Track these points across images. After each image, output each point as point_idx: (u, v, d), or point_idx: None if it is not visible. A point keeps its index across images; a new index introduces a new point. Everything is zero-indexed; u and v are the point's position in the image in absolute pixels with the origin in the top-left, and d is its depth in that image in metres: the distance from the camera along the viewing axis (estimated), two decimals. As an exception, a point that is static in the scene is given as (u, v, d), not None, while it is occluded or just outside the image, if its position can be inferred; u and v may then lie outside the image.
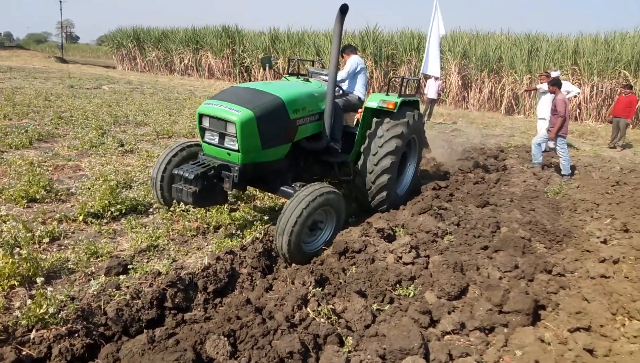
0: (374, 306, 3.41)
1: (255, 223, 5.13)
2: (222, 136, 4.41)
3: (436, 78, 16.20)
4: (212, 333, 2.79)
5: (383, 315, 3.32)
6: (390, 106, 5.35)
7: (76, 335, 2.91)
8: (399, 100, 5.46)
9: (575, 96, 15.53)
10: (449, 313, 3.37)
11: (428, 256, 4.28)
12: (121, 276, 3.72)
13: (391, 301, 3.53)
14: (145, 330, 3.01)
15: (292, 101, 4.71)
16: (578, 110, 19.82)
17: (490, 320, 3.30)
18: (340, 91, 5.90)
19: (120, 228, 4.85)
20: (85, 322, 3.02)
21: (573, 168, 8.95)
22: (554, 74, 10.65)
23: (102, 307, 3.17)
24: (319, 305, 3.22)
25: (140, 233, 4.63)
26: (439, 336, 3.15)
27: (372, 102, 5.52)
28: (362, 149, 5.40)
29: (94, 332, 2.97)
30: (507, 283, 3.85)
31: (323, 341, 2.90)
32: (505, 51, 21.73)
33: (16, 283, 3.51)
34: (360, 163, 5.39)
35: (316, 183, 4.45)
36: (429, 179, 7.25)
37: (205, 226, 4.99)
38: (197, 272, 3.77)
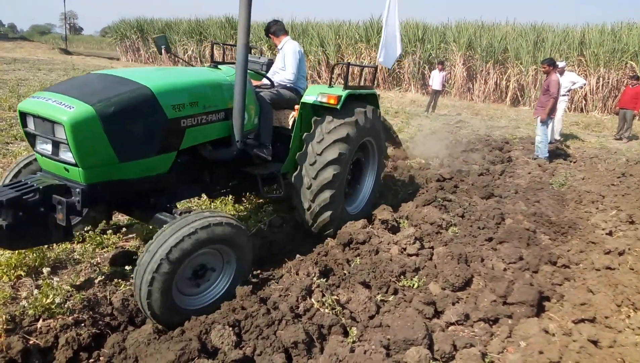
0: (378, 297, 3.42)
1: (260, 213, 5.13)
2: (55, 144, 3.06)
3: (440, 69, 16.12)
4: (217, 323, 2.81)
5: (387, 305, 3.33)
6: (332, 101, 4.17)
7: (82, 324, 2.93)
8: (343, 93, 4.26)
9: (581, 88, 15.42)
10: (454, 304, 3.37)
11: (432, 248, 4.28)
12: (127, 267, 3.73)
13: (395, 292, 3.53)
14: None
15: (170, 92, 3.32)
16: (584, 101, 19.71)
17: (495, 311, 3.30)
18: (270, 83, 4.72)
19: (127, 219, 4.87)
20: (91, 312, 3.05)
21: (560, 155, 8.92)
22: (560, 65, 10.57)
23: (108, 297, 3.19)
24: (323, 295, 3.23)
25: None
26: (443, 327, 3.16)
27: (310, 96, 4.32)
28: (297, 157, 4.22)
29: (100, 322, 2.99)
30: (511, 274, 3.85)
31: (327, 331, 2.91)
32: (511, 42, 21.57)
33: (23, 273, 3.53)
34: (295, 175, 4.21)
35: (206, 210, 3.30)
36: (434, 170, 7.23)
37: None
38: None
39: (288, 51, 4.87)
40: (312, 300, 3.18)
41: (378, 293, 3.48)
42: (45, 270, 3.26)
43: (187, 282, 3.08)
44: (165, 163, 3.47)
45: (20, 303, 3.06)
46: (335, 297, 3.26)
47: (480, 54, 22.16)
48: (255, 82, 4.55)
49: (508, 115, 17.26)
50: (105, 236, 4.12)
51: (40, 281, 3.41)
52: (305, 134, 4.21)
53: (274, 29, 5.11)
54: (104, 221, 4.14)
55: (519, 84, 21.48)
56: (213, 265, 3.19)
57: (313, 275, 3.53)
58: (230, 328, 2.74)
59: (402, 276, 3.72)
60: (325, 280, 3.52)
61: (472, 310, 3.32)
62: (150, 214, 3.42)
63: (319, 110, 4.37)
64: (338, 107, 4.19)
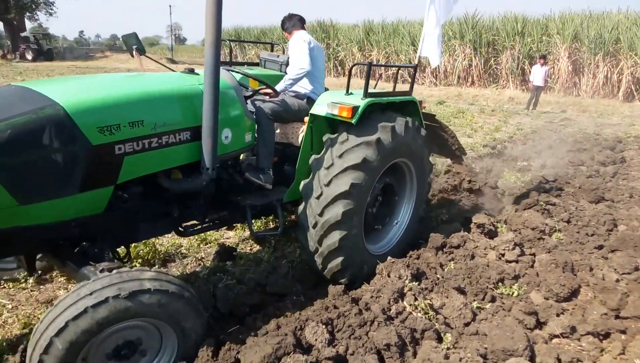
0: (474, 304, 3.30)
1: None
2: None
3: (542, 63, 15.12)
4: (310, 320, 2.88)
5: (484, 313, 3.20)
6: (344, 114, 3.29)
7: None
8: (362, 102, 3.36)
9: None
10: (558, 315, 3.16)
11: (534, 255, 4.04)
12: (228, 262, 3.97)
13: (493, 299, 3.39)
14: (249, 314, 3.20)
15: (93, 111, 2.50)
16: None
17: (605, 325, 3.04)
18: (273, 90, 3.80)
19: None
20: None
21: None
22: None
23: (212, 290, 3.41)
24: (415, 299, 3.18)
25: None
26: (546, 339, 2.97)
27: (321, 106, 3.46)
28: (301, 188, 3.47)
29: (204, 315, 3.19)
30: (625, 286, 3.51)
31: (420, 336, 2.87)
32: (624, 32, 19.59)
33: (137, 265, 3.89)
34: (300, 210, 3.49)
35: (136, 268, 2.38)
36: (535, 171, 6.81)
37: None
38: (295, 261, 3.92)
39: (293, 43, 4.01)
40: (405, 303, 3.15)
41: (474, 300, 3.36)
42: (157, 263, 3.57)
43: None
44: (97, 201, 2.66)
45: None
46: (429, 302, 3.19)
47: (588, 46, 20.40)
48: (265, 90, 3.83)
49: (621, 111, 15.74)
50: (208, 233, 4.40)
51: (152, 273, 3.74)
52: (312, 157, 3.46)
53: (288, 25, 4.24)
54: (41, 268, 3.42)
55: (634, 77, 19.44)
56: (145, 342, 2.42)
57: (405, 277, 3.49)
58: (324, 326, 2.80)
59: (500, 284, 3.55)
60: (417, 283, 3.47)
61: (579, 323, 3.09)
62: (80, 264, 2.59)
63: (335, 124, 3.51)
64: (353, 121, 3.30)
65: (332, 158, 3.33)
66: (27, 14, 39.90)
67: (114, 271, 2.29)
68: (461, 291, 3.43)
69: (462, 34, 23.71)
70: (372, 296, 3.23)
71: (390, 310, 3.05)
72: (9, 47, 36.97)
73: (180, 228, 3.34)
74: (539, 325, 3.14)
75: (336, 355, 2.61)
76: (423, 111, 4.67)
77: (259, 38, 37.01)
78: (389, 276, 3.62)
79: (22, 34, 36.49)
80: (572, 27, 20.97)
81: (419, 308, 3.09)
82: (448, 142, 5.11)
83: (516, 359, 2.61)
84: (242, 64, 4.76)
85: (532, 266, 3.84)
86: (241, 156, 3.71)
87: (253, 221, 3.94)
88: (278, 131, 4.03)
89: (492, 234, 4.42)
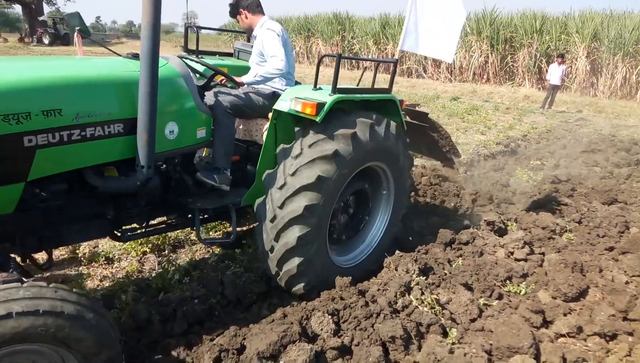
0: (481, 301, 3.30)
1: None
2: None
3: (560, 62, 14.92)
4: (317, 310, 2.91)
5: (490, 310, 3.20)
6: (308, 111, 2.96)
7: (196, 300, 3.20)
8: (330, 99, 3.03)
9: None
10: (565, 315, 3.15)
11: (543, 254, 4.02)
12: (237, 250, 4.00)
13: (500, 297, 3.38)
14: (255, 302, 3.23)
15: None
16: None
17: (613, 327, 3.02)
18: (233, 82, 3.49)
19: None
20: (204, 289, 3.31)
21: None
22: None
23: (219, 277, 3.44)
24: (422, 293, 3.19)
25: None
26: (552, 338, 2.96)
27: (285, 101, 3.14)
28: (264, 178, 3.15)
29: (212, 299, 3.23)
30: (634, 288, 3.48)
31: (426, 330, 2.88)
32: (645, 32, 19.28)
33: (147, 250, 3.94)
34: (259, 202, 3.17)
35: (30, 283, 1.90)
36: (548, 171, 6.75)
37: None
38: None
39: (267, 35, 3.54)
40: (411, 297, 3.15)
41: (481, 297, 3.36)
42: (167, 249, 3.61)
43: None
44: (4, 200, 2.34)
45: (145, 276, 3.43)
46: (435, 296, 3.20)
47: (608, 46, 20.08)
48: (225, 81, 3.57)
49: (638, 113, 15.49)
50: (218, 221, 4.43)
51: (161, 259, 3.78)
52: (280, 146, 3.15)
53: (247, 2, 3.66)
54: None
55: (654, 78, 19.14)
56: None
57: (412, 272, 3.50)
58: (330, 317, 2.82)
59: (507, 281, 3.54)
60: (424, 278, 3.46)
61: (586, 323, 3.07)
62: None
63: (303, 122, 3.15)
64: (318, 119, 2.96)
65: (301, 146, 3.03)
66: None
67: (11, 282, 1.88)
68: (468, 287, 3.43)
69: (479, 30, 23.45)
70: (379, 289, 3.24)
71: (396, 303, 3.06)
72: (27, 31, 37.28)
73: (116, 232, 3.01)
74: (546, 323, 3.12)
75: (341, 345, 2.63)
76: (417, 109, 4.46)
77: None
78: (396, 269, 3.62)
79: (40, 18, 36.76)
80: (592, 26, 20.65)
81: (426, 303, 3.09)
82: (439, 143, 4.70)
83: (521, 356, 2.61)
84: (212, 53, 4.48)
85: (541, 266, 3.82)
86: (204, 153, 3.48)
87: (211, 224, 3.76)
88: (241, 127, 3.76)
89: (501, 232, 4.40)
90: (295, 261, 3.08)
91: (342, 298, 3.10)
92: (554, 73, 14.91)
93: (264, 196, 3.12)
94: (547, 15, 22.73)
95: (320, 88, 3.21)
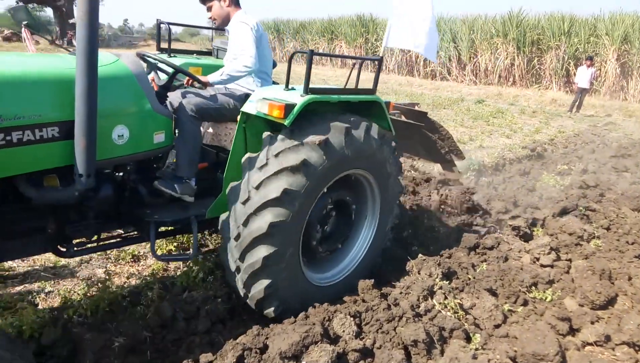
0: (506, 307, 3.25)
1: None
2: None
3: (589, 65, 14.61)
4: (339, 312, 2.91)
5: (515, 316, 3.15)
6: (276, 113, 2.66)
7: (219, 299, 3.25)
8: (301, 100, 2.72)
9: None
10: (592, 323, 3.08)
11: (570, 260, 3.94)
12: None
13: (525, 303, 3.33)
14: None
15: None
16: None
17: (643, 337, 2.95)
18: (198, 82, 3.23)
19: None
20: (227, 289, 3.35)
21: None
22: None
23: (242, 277, 3.46)
24: (445, 298, 3.16)
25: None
26: (579, 346, 2.90)
27: (252, 103, 2.85)
28: (228, 191, 2.87)
29: (234, 298, 3.27)
30: (666, 298, 3.39)
31: (449, 335, 2.85)
32: (679, 34, 18.72)
33: (173, 248, 4.01)
34: (223, 218, 2.88)
35: None
36: (576, 175, 6.60)
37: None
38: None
39: (240, 29, 3.20)
40: (434, 301, 3.13)
41: (505, 302, 3.31)
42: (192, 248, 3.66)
43: None
44: None
45: (170, 274, 3.49)
46: (458, 301, 3.17)
47: (639, 49, 19.56)
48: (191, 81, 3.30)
49: (671, 117, 15.04)
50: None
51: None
52: (246, 156, 2.82)
53: None
54: None
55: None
56: None
57: (435, 276, 3.47)
58: (352, 319, 2.82)
59: (533, 287, 3.49)
60: (448, 282, 3.44)
61: (615, 332, 3.00)
62: None
63: (276, 125, 2.82)
64: (286, 122, 2.66)
65: (267, 156, 2.71)
66: (76, 0, 41.23)
67: None
68: (492, 292, 3.38)
69: (505, 32, 23.11)
70: (401, 292, 3.22)
71: (419, 307, 3.04)
72: (58, 33, 38.31)
73: (61, 247, 2.75)
74: (572, 331, 3.06)
75: (363, 347, 2.63)
76: (416, 108, 4.35)
77: (297, 31, 37.01)
78: (419, 273, 3.61)
79: (70, 21, 37.70)
80: (622, 29, 20.13)
81: (449, 307, 3.07)
82: (437, 144, 4.39)
83: (546, 364, 2.56)
84: (190, 52, 4.21)
85: (567, 272, 3.74)
86: (174, 159, 3.17)
87: (172, 238, 3.56)
88: (210, 131, 3.50)
89: (527, 237, 4.33)
90: (263, 283, 2.78)
91: (364, 301, 3.10)
92: (583, 76, 14.63)
93: (229, 212, 2.83)
94: (575, 17, 22.27)
95: (292, 88, 2.90)
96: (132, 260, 3.87)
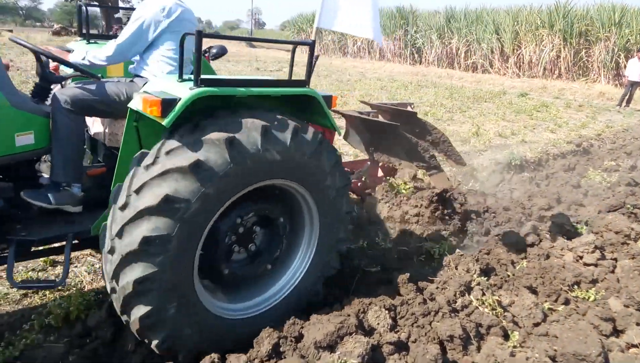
0: (546, 305, 3.17)
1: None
2: None
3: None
4: (374, 304, 2.91)
5: (556, 315, 3.07)
6: (150, 110, 2.12)
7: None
8: (186, 95, 2.14)
9: None
10: (638, 324, 2.97)
11: (616, 259, 3.79)
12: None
13: (566, 302, 3.24)
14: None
15: None
16: None
17: (693, 341, 2.82)
18: (84, 72, 2.77)
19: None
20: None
21: None
22: None
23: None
24: (483, 294, 3.12)
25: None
26: (623, 347, 2.80)
27: (136, 97, 2.28)
28: (112, 194, 2.29)
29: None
30: None
31: (486, 331, 2.82)
32: None
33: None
34: (102, 226, 2.32)
35: None
36: (624, 172, 6.32)
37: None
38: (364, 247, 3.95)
39: (135, 12, 2.78)
40: (471, 297, 3.09)
41: (546, 301, 3.23)
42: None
43: None
44: None
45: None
46: (497, 298, 3.12)
47: (697, 39, 18.51)
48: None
49: None
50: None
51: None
52: (140, 152, 2.28)
53: None
54: None
55: None
56: None
57: (473, 272, 3.42)
58: (387, 312, 2.81)
59: (575, 286, 3.39)
60: (486, 278, 3.38)
61: (663, 336, 2.88)
62: None
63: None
64: (165, 122, 2.12)
65: (156, 153, 2.18)
66: (121, -5, 42.45)
67: None
68: (532, 290, 3.31)
69: (551, 23, 22.32)
70: (437, 287, 3.20)
71: (455, 302, 3.01)
72: (104, 27, 39.54)
73: None
74: (616, 332, 2.97)
75: (398, 340, 2.63)
76: (409, 108, 3.97)
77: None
78: (456, 268, 3.56)
79: (116, 15, 38.86)
80: (679, 17, 19.10)
81: (486, 304, 3.02)
82: (419, 146, 3.77)
83: (588, 365, 2.49)
84: (107, 37, 3.55)
85: (612, 272, 3.61)
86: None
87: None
88: (107, 130, 3.01)
89: (570, 235, 4.20)
90: (140, 310, 2.17)
91: (399, 294, 3.10)
92: (634, 69, 13.95)
93: (108, 219, 2.24)
94: (627, 7, 21.29)
95: (189, 79, 2.33)
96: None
